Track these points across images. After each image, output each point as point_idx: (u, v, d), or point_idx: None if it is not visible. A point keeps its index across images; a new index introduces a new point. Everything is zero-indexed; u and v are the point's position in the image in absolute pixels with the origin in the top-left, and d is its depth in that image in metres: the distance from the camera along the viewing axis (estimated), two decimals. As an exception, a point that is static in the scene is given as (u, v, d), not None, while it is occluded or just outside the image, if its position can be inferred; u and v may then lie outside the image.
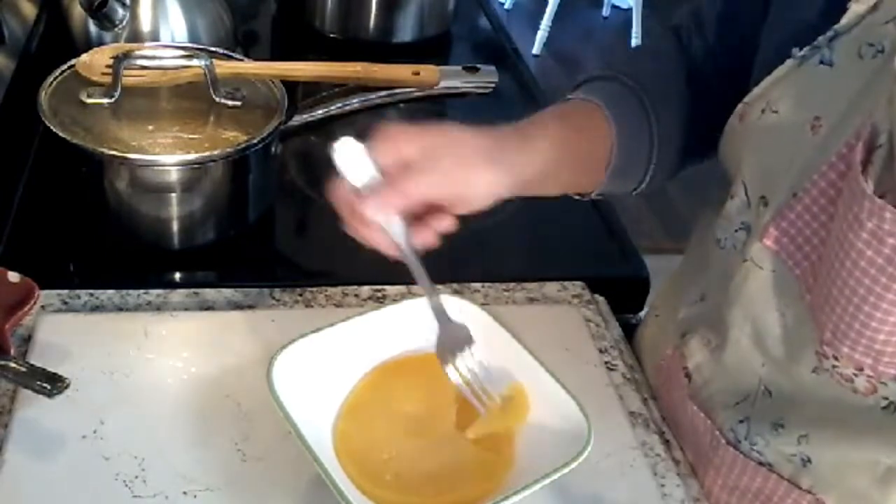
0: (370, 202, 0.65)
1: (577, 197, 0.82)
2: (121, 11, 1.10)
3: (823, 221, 0.60)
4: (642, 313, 0.98)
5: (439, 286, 0.87)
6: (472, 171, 0.67)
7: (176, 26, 1.13)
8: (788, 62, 0.63)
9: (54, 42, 1.21)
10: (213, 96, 0.93)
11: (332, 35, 1.37)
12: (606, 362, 0.82)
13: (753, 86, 0.67)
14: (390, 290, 0.88)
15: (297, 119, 1.10)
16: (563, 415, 0.67)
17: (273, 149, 0.96)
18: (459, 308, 0.75)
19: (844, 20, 0.60)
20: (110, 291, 0.84)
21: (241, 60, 1.01)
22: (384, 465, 0.67)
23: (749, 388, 0.68)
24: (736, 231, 0.68)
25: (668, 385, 0.77)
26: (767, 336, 0.65)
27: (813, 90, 0.61)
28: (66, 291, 0.83)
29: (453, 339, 0.70)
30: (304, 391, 0.67)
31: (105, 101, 0.92)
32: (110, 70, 0.92)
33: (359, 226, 0.66)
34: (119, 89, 0.92)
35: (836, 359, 0.59)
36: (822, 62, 0.60)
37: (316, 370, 0.69)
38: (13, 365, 0.68)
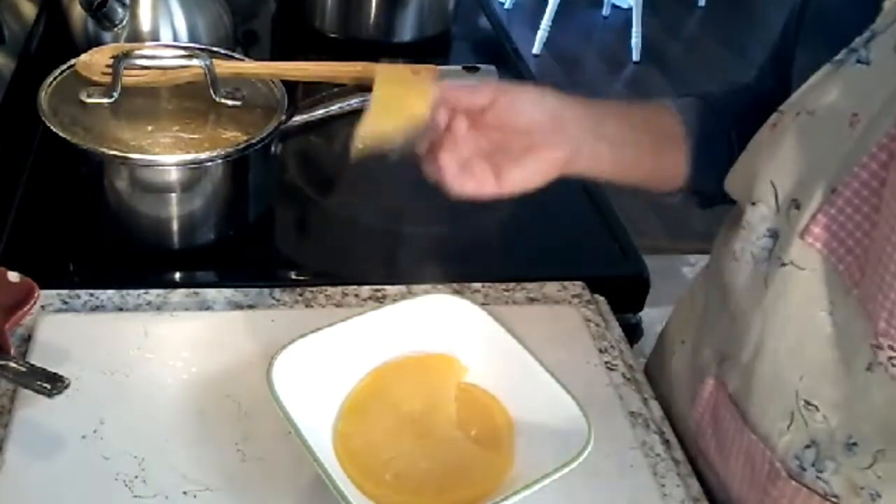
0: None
1: (668, 197, 0.81)
2: (121, 11, 1.10)
3: (866, 213, 0.59)
4: (642, 313, 0.98)
5: (440, 286, 0.88)
6: (521, 86, 0.72)
7: (176, 26, 1.13)
8: (825, 67, 0.63)
9: (54, 42, 1.21)
10: (213, 96, 0.93)
11: (332, 35, 1.37)
12: (606, 362, 0.82)
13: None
14: (390, 290, 0.88)
15: (297, 119, 1.09)
16: (563, 415, 0.67)
17: (273, 149, 0.96)
18: (459, 308, 0.75)
19: (880, 19, 0.60)
20: (110, 291, 0.84)
21: (241, 60, 1.01)
22: (384, 465, 0.67)
23: (788, 403, 0.65)
24: (758, 240, 0.67)
25: (716, 417, 0.74)
26: (813, 339, 0.63)
27: (850, 88, 0.61)
28: (66, 291, 0.83)
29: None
30: (304, 391, 0.67)
31: (105, 100, 0.92)
32: (110, 70, 0.92)
33: None
34: (119, 89, 0.92)
35: (892, 349, 0.58)
36: (859, 61, 0.61)
37: (316, 370, 0.69)
38: (13, 365, 0.68)
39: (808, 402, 0.64)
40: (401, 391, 0.73)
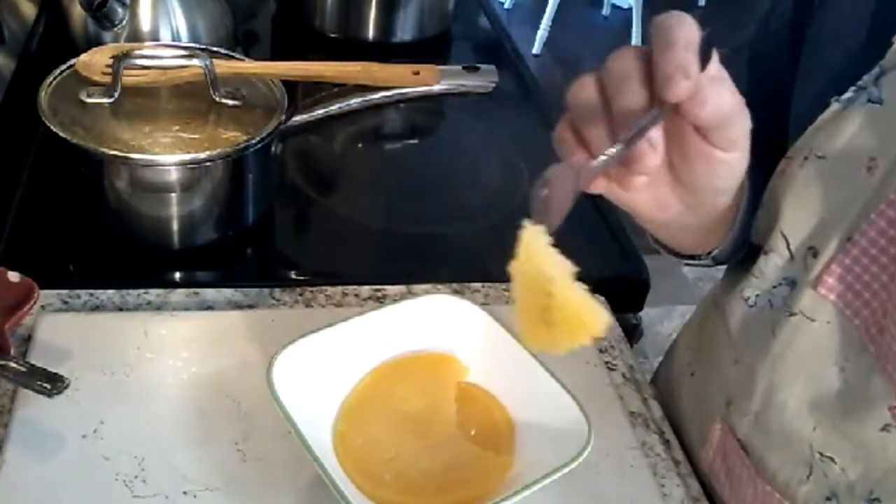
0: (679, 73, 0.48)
1: (698, 261, 0.70)
2: (121, 11, 1.10)
3: (884, 264, 0.56)
4: (642, 313, 0.98)
5: (440, 286, 0.87)
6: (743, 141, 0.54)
7: (176, 26, 1.13)
8: (832, 108, 0.60)
9: (54, 42, 1.21)
10: (213, 96, 0.93)
11: (332, 35, 1.37)
12: (606, 362, 0.82)
13: (791, 143, 0.64)
14: (390, 290, 0.88)
15: (297, 119, 1.09)
16: (563, 415, 0.67)
17: (273, 149, 0.96)
18: (459, 308, 0.75)
19: (890, 55, 0.57)
20: (110, 291, 0.84)
21: (241, 60, 1.01)
22: (384, 465, 0.67)
23: (803, 454, 0.63)
24: (775, 287, 0.64)
25: (727, 463, 0.71)
26: (824, 394, 0.60)
27: (864, 130, 0.58)
28: (66, 291, 0.83)
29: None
30: (304, 391, 0.67)
31: (105, 100, 0.92)
32: (110, 70, 0.92)
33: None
34: (119, 89, 0.92)
35: None
36: (870, 101, 0.57)
37: (316, 370, 0.69)
38: (13, 365, 0.68)
39: (822, 455, 0.61)
40: (401, 391, 0.73)
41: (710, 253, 0.69)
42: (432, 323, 0.75)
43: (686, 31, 0.49)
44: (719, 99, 0.49)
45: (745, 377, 0.67)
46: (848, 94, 0.59)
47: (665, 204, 0.58)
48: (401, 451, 0.68)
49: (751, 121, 0.52)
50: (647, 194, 0.57)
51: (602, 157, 0.50)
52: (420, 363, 0.74)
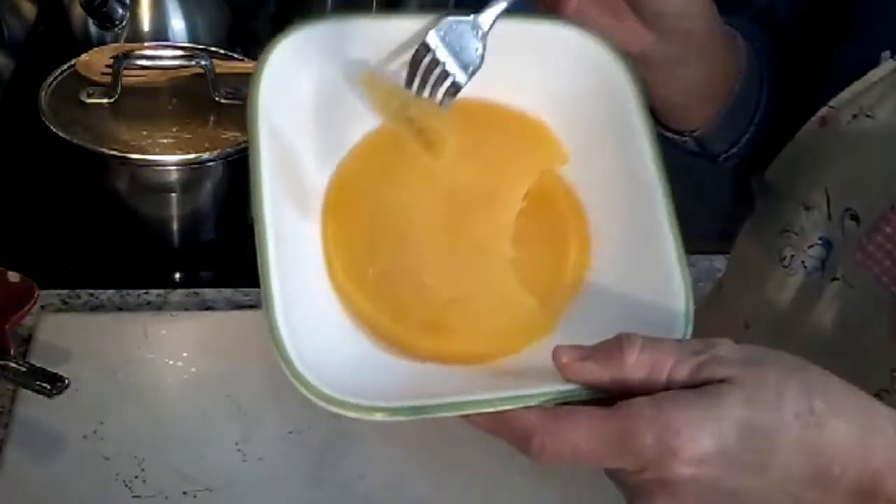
0: None
1: (684, 138, 0.68)
2: (121, 11, 1.11)
3: None
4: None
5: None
6: None
7: (176, 26, 1.13)
8: (885, 65, 0.58)
9: (54, 42, 1.21)
10: (213, 96, 0.93)
11: (332, 35, 1.37)
12: (606, 362, 0.81)
13: (837, 88, 0.62)
14: (390, 290, 0.87)
15: (297, 119, 1.09)
16: (660, 305, 0.45)
17: (273, 149, 0.96)
18: (594, 55, 0.49)
19: None
20: (110, 291, 0.84)
21: (241, 60, 1.01)
22: (373, 255, 0.46)
23: None
24: (810, 247, 0.63)
25: None
26: (858, 362, 0.58)
27: None
28: (66, 291, 0.83)
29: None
30: (299, 122, 0.47)
31: (105, 101, 0.92)
32: (110, 70, 0.92)
33: None
34: (119, 89, 0.92)
35: None
36: None
37: (331, 84, 0.48)
38: (13, 365, 0.68)
39: None
40: (452, 155, 0.46)
41: (693, 132, 0.66)
42: (537, 62, 0.48)
43: None
44: None
45: (773, 341, 0.66)
46: None
47: (637, 32, 0.58)
48: (410, 244, 0.46)
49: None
50: (617, 24, 0.58)
51: None
52: (500, 121, 0.49)
